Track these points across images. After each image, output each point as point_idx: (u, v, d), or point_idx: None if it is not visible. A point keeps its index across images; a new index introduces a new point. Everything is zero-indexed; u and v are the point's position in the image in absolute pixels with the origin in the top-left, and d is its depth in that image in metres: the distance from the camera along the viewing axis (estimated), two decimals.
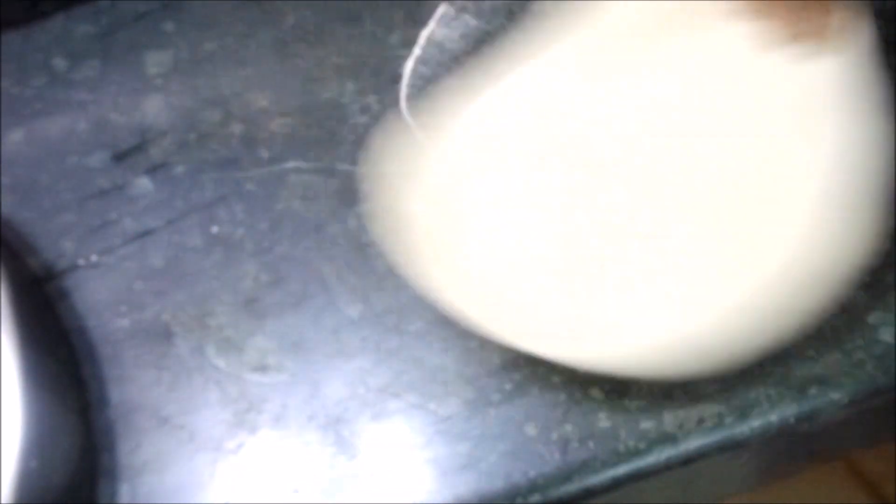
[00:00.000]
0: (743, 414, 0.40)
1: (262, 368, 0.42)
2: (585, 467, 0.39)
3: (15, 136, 0.47)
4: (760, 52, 0.37)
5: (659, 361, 0.38)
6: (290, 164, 0.46)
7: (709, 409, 0.40)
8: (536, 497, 0.39)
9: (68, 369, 0.42)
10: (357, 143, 0.46)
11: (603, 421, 0.40)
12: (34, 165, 0.46)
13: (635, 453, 0.40)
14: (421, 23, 0.47)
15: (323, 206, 0.45)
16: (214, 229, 0.45)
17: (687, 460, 0.40)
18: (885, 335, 0.40)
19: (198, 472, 0.41)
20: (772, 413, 0.40)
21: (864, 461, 0.70)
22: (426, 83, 0.46)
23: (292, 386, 0.42)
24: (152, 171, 0.46)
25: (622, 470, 0.39)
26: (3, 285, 0.39)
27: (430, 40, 0.47)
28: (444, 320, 0.42)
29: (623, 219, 0.38)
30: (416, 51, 0.47)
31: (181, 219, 0.45)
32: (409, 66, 0.47)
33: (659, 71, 0.39)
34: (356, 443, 0.41)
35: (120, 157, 0.46)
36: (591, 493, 0.40)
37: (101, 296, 0.44)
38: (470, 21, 0.47)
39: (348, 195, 0.45)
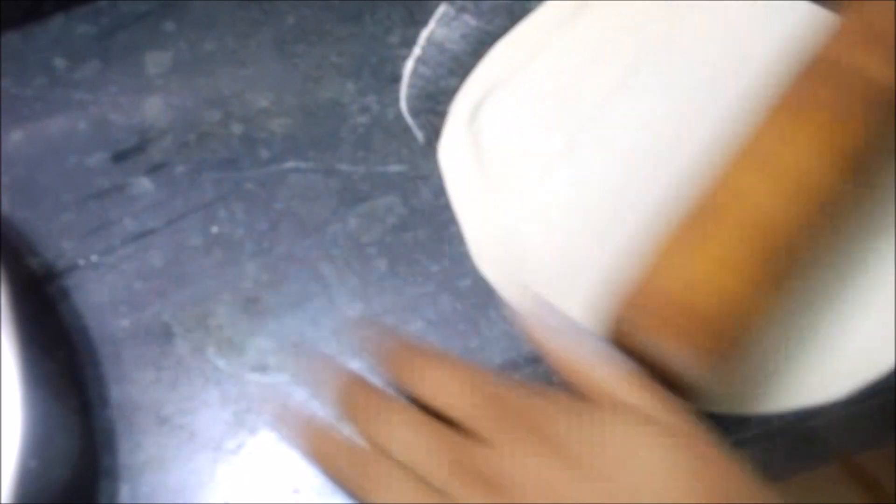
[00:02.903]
0: (743, 414, 0.40)
1: (262, 368, 0.42)
2: None
3: (15, 136, 0.47)
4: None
5: None
6: (290, 164, 0.46)
7: (709, 409, 0.40)
8: None
9: (68, 369, 0.42)
10: (357, 143, 0.46)
11: None
12: (34, 165, 0.46)
13: None
14: (421, 23, 0.47)
15: (323, 206, 0.45)
16: (214, 229, 0.45)
17: None
18: None
19: (198, 471, 0.41)
20: (772, 413, 0.40)
21: (864, 461, 0.70)
22: (426, 83, 0.46)
23: (292, 386, 0.42)
24: (152, 171, 0.46)
25: None
26: (3, 285, 0.39)
27: (430, 40, 0.47)
28: (444, 320, 0.42)
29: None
30: (416, 51, 0.47)
31: (181, 219, 0.45)
32: (409, 66, 0.47)
33: None
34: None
35: (120, 157, 0.46)
36: None
37: (101, 296, 0.44)
38: (470, 21, 0.47)
39: (348, 195, 0.45)
